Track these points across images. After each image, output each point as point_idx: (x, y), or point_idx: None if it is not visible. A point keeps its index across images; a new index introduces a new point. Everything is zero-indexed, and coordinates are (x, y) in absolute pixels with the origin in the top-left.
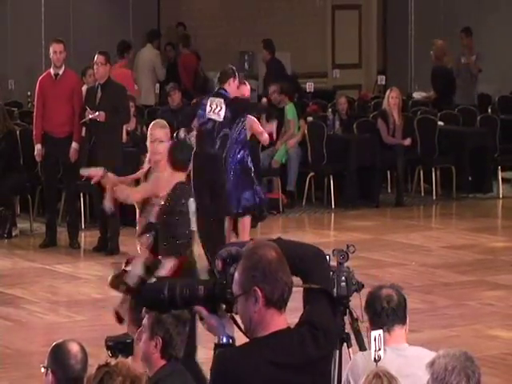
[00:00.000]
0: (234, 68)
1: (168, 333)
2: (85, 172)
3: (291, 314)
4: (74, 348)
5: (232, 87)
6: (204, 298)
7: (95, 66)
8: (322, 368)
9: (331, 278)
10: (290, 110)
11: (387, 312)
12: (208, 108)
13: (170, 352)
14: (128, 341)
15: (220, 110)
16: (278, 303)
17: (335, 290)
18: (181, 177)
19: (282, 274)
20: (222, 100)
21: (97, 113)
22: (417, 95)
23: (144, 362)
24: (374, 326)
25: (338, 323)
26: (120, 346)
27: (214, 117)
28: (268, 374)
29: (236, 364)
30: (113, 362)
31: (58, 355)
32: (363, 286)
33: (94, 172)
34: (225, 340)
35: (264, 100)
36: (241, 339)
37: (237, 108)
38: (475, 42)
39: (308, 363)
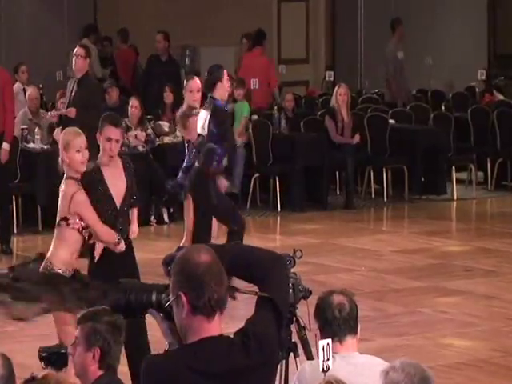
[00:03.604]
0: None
1: (106, 341)
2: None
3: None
4: None
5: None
6: (157, 304)
7: (74, 58)
8: (252, 378)
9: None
10: (245, 107)
11: (339, 322)
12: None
13: (108, 362)
14: (62, 351)
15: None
16: (206, 310)
17: None
18: None
19: (209, 280)
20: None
21: (64, 110)
22: None
23: (80, 376)
24: (325, 334)
25: (284, 332)
26: (54, 357)
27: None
28: (188, 380)
29: (158, 369)
30: (40, 374)
31: None
32: (311, 292)
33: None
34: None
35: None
36: None
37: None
38: (429, 37)
39: (234, 372)
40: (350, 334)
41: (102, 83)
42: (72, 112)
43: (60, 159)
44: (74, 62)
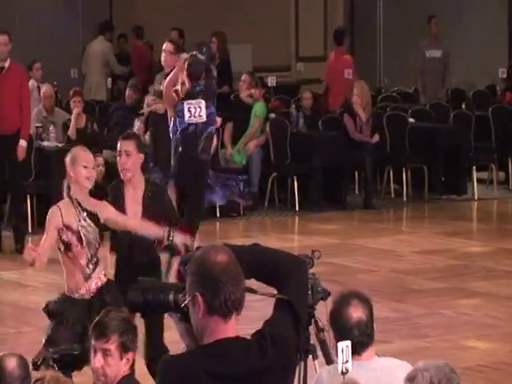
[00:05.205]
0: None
1: (135, 342)
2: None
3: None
4: (11, 365)
5: None
6: (174, 304)
7: (163, 54)
8: (269, 380)
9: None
10: (259, 107)
11: (359, 338)
12: (187, 114)
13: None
14: (75, 352)
15: (201, 111)
16: (222, 311)
17: None
18: None
19: (226, 280)
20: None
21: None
22: None
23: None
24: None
25: (302, 335)
26: (67, 359)
27: (195, 120)
28: (203, 382)
29: (173, 370)
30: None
31: None
32: (329, 293)
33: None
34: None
35: None
36: None
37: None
38: (450, 36)
39: (251, 374)
40: (369, 344)
41: (122, 81)
42: (160, 107)
43: (65, 182)
44: (162, 58)
